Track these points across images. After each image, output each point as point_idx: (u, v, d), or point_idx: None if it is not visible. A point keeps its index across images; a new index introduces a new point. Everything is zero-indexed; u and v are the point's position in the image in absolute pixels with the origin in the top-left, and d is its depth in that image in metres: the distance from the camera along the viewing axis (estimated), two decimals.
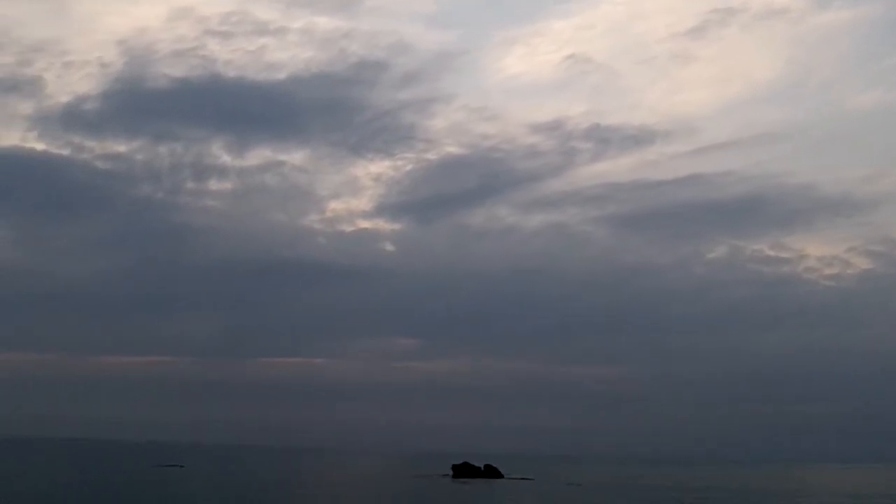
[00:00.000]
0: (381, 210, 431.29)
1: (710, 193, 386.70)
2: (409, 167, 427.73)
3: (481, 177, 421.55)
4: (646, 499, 73.99)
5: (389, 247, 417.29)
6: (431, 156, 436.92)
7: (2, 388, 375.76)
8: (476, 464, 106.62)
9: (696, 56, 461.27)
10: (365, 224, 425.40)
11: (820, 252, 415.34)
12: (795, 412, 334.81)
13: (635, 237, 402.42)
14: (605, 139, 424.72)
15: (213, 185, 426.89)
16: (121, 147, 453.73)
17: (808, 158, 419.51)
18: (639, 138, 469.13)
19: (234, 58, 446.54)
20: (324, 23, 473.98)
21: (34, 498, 52.41)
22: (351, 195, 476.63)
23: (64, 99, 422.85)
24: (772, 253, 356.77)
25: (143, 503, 51.68)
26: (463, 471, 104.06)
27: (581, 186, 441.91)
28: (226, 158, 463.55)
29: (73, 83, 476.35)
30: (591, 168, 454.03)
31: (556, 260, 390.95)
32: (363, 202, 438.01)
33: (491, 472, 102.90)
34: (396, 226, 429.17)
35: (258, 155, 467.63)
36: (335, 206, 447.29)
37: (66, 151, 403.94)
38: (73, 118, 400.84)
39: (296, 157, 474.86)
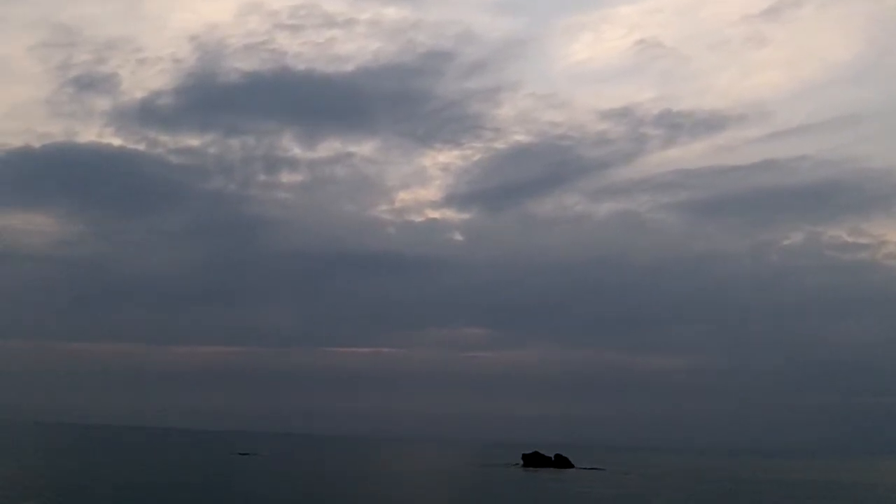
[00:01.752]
0: (450, 200, 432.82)
1: (785, 179, 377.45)
2: (477, 156, 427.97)
3: (550, 165, 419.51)
4: (718, 490, 73.07)
5: (458, 236, 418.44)
6: (499, 145, 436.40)
7: (81, 378, 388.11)
8: (546, 453, 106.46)
9: (770, 38, 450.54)
10: (434, 214, 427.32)
11: None
12: (874, 403, 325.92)
13: (708, 224, 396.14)
14: (676, 125, 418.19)
15: (285, 177, 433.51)
16: (194, 141, 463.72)
17: (887, 141, 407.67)
18: (711, 123, 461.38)
19: (303, 51, 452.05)
20: (391, 14, 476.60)
21: (116, 484, 54.08)
22: (420, 185, 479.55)
23: (139, 95, 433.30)
24: (850, 239, 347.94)
25: (219, 490, 52.95)
26: (533, 460, 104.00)
27: (652, 173, 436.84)
28: (296, 151, 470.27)
29: (147, 79, 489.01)
30: (662, 154, 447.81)
31: (626, 248, 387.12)
32: (432, 192, 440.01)
33: (561, 462, 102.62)
34: (465, 215, 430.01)
35: (328, 147, 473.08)
36: (404, 196, 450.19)
37: (141, 146, 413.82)
38: (147, 114, 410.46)
39: (365, 148, 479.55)
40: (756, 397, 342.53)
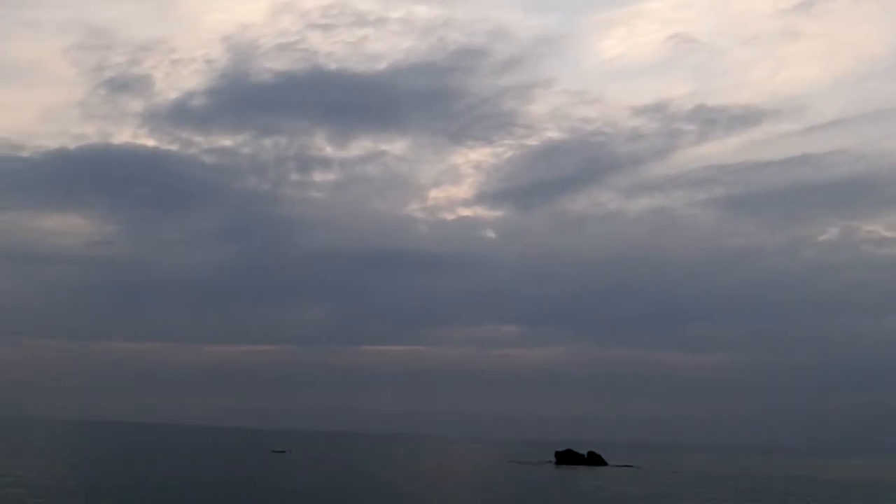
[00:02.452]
0: (482, 197, 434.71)
1: (821, 173, 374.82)
2: (509, 154, 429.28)
3: (582, 161, 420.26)
4: (752, 488, 72.38)
5: (490, 234, 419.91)
6: (532, 141, 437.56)
7: (116, 377, 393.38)
8: (579, 451, 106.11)
9: (804, 32, 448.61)
10: (465, 212, 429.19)
11: None
12: None
13: (743, 220, 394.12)
14: (710, 120, 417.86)
15: (317, 176, 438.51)
16: (227, 141, 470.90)
17: None
18: (745, 118, 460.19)
19: (335, 50, 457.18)
20: (423, 12, 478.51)
21: (156, 481, 54.65)
22: (451, 183, 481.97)
23: (172, 96, 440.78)
24: (888, 234, 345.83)
25: (256, 487, 53.31)
26: (566, 458, 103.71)
27: (686, 169, 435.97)
28: (329, 150, 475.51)
29: (180, 80, 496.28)
30: (696, 150, 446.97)
31: (660, 245, 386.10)
32: (463, 190, 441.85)
33: (594, 460, 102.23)
34: (497, 213, 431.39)
35: (360, 145, 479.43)
36: (436, 194, 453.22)
37: (174, 147, 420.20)
38: (181, 114, 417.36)
39: (397, 146, 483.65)
40: (791, 395, 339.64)
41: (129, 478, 56.36)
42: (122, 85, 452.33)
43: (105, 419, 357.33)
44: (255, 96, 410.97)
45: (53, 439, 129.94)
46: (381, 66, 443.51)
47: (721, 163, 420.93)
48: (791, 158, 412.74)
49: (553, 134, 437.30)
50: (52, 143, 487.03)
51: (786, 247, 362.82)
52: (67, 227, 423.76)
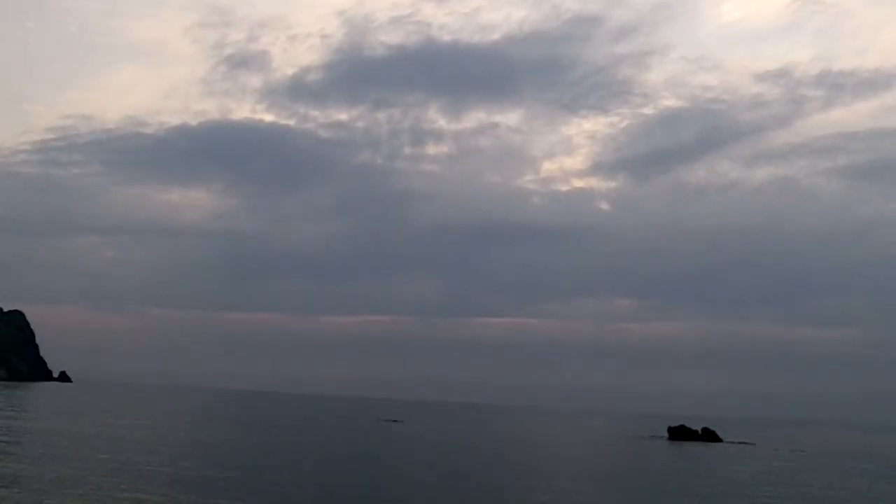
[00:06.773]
0: (596, 168, 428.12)
1: None
2: (624, 123, 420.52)
3: (701, 130, 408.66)
4: (877, 470, 69.20)
5: (605, 205, 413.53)
6: (648, 110, 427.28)
7: (236, 347, 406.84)
8: (693, 427, 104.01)
9: None
10: (579, 183, 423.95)
11: None
12: None
13: (871, 189, 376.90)
14: (837, 85, 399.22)
15: (430, 149, 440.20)
16: (342, 115, 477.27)
17: None
18: (875, 83, 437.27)
19: (448, 21, 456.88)
20: None
21: (273, 448, 56.03)
22: (565, 154, 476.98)
23: (289, 71, 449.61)
24: None
25: (366, 455, 54.03)
26: (679, 433, 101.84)
27: (811, 137, 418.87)
28: (442, 122, 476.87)
29: (297, 56, 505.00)
30: (821, 117, 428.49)
31: (782, 216, 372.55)
32: (577, 161, 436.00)
33: (709, 436, 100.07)
34: (612, 184, 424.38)
35: (473, 117, 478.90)
36: (549, 165, 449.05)
37: (292, 122, 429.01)
38: (297, 89, 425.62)
39: (510, 117, 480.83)
40: None
41: (247, 446, 57.94)
42: (241, 62, 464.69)
43: (224, 387, 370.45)
44: (369, 70, 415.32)
45: (176, 405, 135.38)
46: (495, 36, 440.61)
47: (848, 130, 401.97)
48: None
49: (670, 102, 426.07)
50: (175, 120, 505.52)
51: None
52: (190, 200, 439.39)
